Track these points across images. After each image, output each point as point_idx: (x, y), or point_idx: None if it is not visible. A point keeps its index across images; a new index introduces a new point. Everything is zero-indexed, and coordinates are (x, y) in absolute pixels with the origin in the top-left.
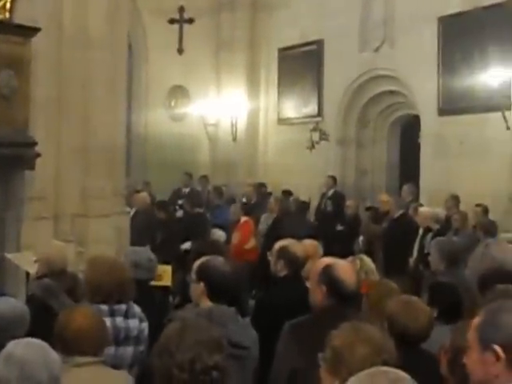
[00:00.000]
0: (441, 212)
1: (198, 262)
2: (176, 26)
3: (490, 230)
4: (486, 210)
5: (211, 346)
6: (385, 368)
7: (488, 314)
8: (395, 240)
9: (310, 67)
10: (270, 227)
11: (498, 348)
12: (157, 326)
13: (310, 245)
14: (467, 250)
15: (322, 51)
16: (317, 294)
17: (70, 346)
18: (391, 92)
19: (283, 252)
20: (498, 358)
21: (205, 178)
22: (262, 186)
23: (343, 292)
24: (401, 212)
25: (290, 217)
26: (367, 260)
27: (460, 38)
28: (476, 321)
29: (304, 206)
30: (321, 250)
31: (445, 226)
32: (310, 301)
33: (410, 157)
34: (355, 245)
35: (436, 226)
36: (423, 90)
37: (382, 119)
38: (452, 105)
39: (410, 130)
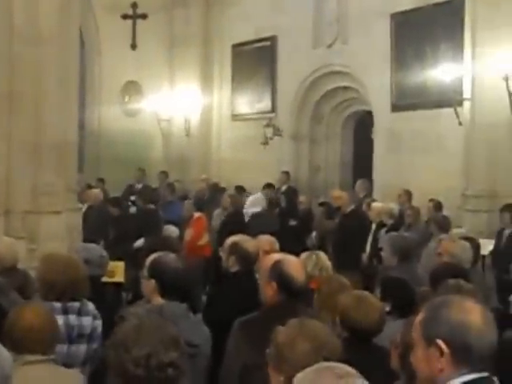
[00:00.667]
0: (394, 207)
1: (149, 259)
2: (129, 22)
3: (443, 225)
4: (439, 205)
5: (168, 343)
6: (332, 363)
7: (430, 310)
8: (346, 235)
9: (264, 63)
10: (222, 223)
11: (441, 343)
12: (108, 323)
13: (266, 241)
14: (420, 245)
15: (276, 47)
16: (267, 290)
17: (19, 344)
18: (344, 88)
19: (235, 248)
20: (441, 353)
21: (164, 173)
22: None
23: (293, 288)
24: (352, 207)
25: (259, 214)
26: (323, 256)
27: (412, 35)
28: (419, 317)
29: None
30: (277, 246)
31: (398, 221)
32: (260, 297)
33: (364, 152)
34: (308, 240)
35: (389, 221)
36: (376, 85)
37: (335, 115)
38: (405, 100)
39: (363, 125)
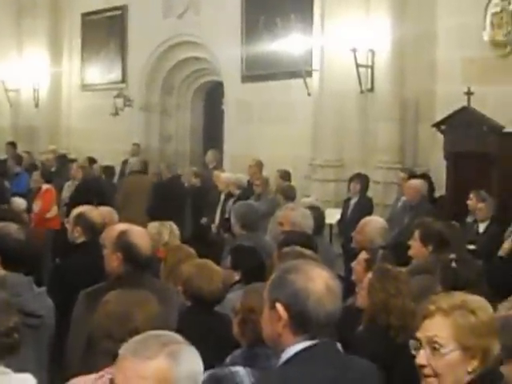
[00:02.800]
0: (242, 177)
1: None
2: None
3: (288, 194)
4: (286, 175)
5: (6, 308)
6: (160, 332)
7: (277, 273)
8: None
9: (114, 33)
10: (72, 194)
11: (279, 306)
12: None
13: (106, 211)
14: (268, 214)
15: (126, 17)
16: (112, 261)
17: None
18: (196, 58)
19: (80, 218)
20: (280, 317)
21: (12, 144)
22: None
23: (138, 258)
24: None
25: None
26: (175, 226)
27: (263, 6)
28: (269, 280)
29: (111, 171)
30: (116, 217)
31: (247, 191)
32: (105, 268)
33: (214, 123)
34: None
35: (237, 192)
36: (227, 56)
37: (186, 86)
38: (255, 71)
39: (214, 96)
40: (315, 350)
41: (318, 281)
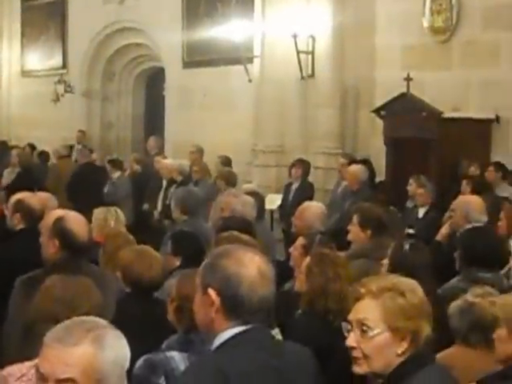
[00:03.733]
0: (184, 163)
1: None
2: None
3: (230, 180)
4: (226, 161)
5: None
6: (84, 318)
7: (209, 259)
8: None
9: (55, 18)
10: (13, 181)
11: (212, 292)
12: None
13: (45, 197)
14: (207, 200)
15: (67, 2)
16: (49, 248)
17: None
18: (137, 45)
19: (19, 205)
20: (211, 302)
21: None
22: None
23: (75, 244)
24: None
25: None
26: (120, 212)
27: None
28: (201, 265)
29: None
30: (55, 203)
31: (188, 178)
32: (42, 255)
33: (156, 109)
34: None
35: (179, 178)
36: (168, 42)
37: (127, 72)
38: (196, 57)
39: (155, 82)
40: (247, 336)
41: (250, 266)
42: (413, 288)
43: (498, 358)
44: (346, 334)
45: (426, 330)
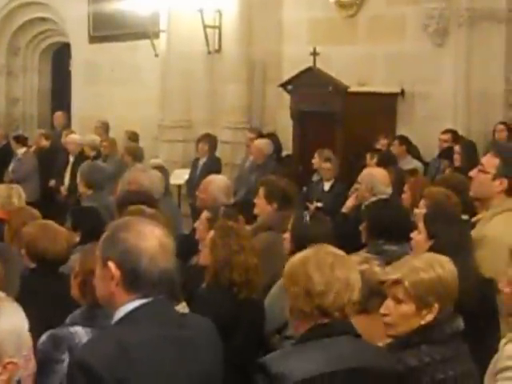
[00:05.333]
0: (96, 138)
1: None
2: None
3: (136, 155)
4: (133, 136)
5: None
6: None
7: (109, 232)
8: None
9: None
10: None
11: (112, 265)
12: None
13: None
14: (115, 175)
15: None
16: None
17: None
18: (42, 19)
19: None
20: (112, 275)
21: None
22: None
23: None
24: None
25: None
26: (21, 189)
27: None
28: (101, 238)
29: None
30: None
31: (99, 152)
32: None
33: (62, 85)
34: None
35: (92, 153)
36: (73, 17)
37: (32, 47)
38: (102, 32)
39: (61, 57)
40: (147, 309)
41: (150, 238)
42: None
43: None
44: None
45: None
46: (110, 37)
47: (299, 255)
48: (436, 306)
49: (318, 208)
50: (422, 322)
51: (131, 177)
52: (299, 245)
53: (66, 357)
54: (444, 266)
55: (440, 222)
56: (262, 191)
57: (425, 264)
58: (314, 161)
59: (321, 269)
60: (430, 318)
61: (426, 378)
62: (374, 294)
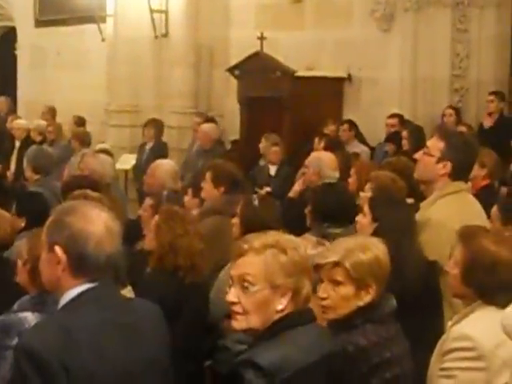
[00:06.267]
0: (43, 123)
1: None
2: None
3: (84, 140)
4: (80, 121)
5: None
6: None
7: (54, 216)
8: None
9: None
10: None
11: (58, 249)
12: None
13: None
14: (62, 160)
15: None
16: None
17: None
18: None
19: None
20: (58, 260)
21: None
22: None
23: None
24: None
25: None
26: None
27: None
28: (48, 221)
29: None
30: None
31: (45, 137)
32: None
33: (7, 69)
34: None
35: (39, 138)
36: (20, 1)
37: None
38: (49, 16)
39: (6, 42)
40: (94, 293)
41: (97, 222)
42: (296, 245)
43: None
44: (227, 290)
45: (307, 287)
46: (57, 21)
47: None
48: (374, 286)
49: (267, 193)
50: (361, 304)
51: (82, 162)
52: (248, 229)
53: (15, 343)
54: (378, 247)
55: (384, 206)
56: (208, 175)
57: (360, 245)
58: (260, 145)
59: None
60: (368, 298)
61: (375, 357)
62: None
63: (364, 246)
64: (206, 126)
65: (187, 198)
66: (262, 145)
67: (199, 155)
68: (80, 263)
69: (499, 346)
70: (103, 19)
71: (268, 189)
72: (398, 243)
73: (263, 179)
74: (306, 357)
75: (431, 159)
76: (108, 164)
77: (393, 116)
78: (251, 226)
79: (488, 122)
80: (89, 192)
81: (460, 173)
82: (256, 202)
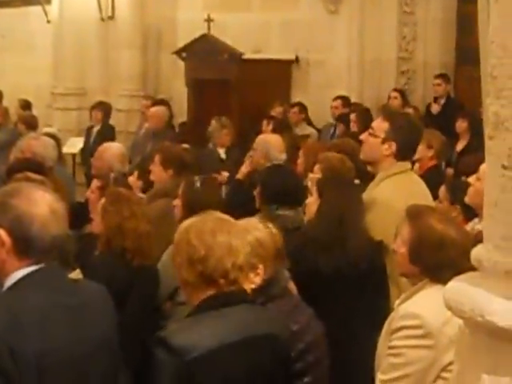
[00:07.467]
0: None
1: None
2: None
3: (30, 123)
4: (26, 104)
5: None
6: None
7: None
8: None
9: None
10: None
11: (2, 232)
12: None
13: None
14: (9, 144)
15: None
16: None
17: None
18: None
19: None
20: (2, 243)
21: None
22: None
23: None
24: None
25: None
26: None
27: None
28: None
29: None
30: None
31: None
32: None
33: None
34: None
35: None
36: None
37: None
38: None
39: None
40: (39, 275)
41: (41, 204)
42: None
43: None
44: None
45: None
46: (1, 2)
47: (184, 223)
48: (260, 266)
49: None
50: (253, 286)
51: (24, 145)
52: (190, 211)
53: None
54: (258, 228)
55: (331, 186)
56: (157, 158)
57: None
58: (209, 128)
59: (201, 235)
60: (258, 280)
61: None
62: None
63: (244, 229)
64: (157, 109)
65: (131, 179)
66: (212, 128)
67: (147, 138)
68: (25, 245)
69: (446, 324)
70: (48, 1)
71: (225, 173)
72: (341, 221)
73: (213, 163)
74: (226, 338)
75: (376, 140)
76: (51, 146)
77: (337, 98)
78: (193, 208)
79: (436, 108)
80: (31, 175)
81: (405, 153)
82: (198, 184)
